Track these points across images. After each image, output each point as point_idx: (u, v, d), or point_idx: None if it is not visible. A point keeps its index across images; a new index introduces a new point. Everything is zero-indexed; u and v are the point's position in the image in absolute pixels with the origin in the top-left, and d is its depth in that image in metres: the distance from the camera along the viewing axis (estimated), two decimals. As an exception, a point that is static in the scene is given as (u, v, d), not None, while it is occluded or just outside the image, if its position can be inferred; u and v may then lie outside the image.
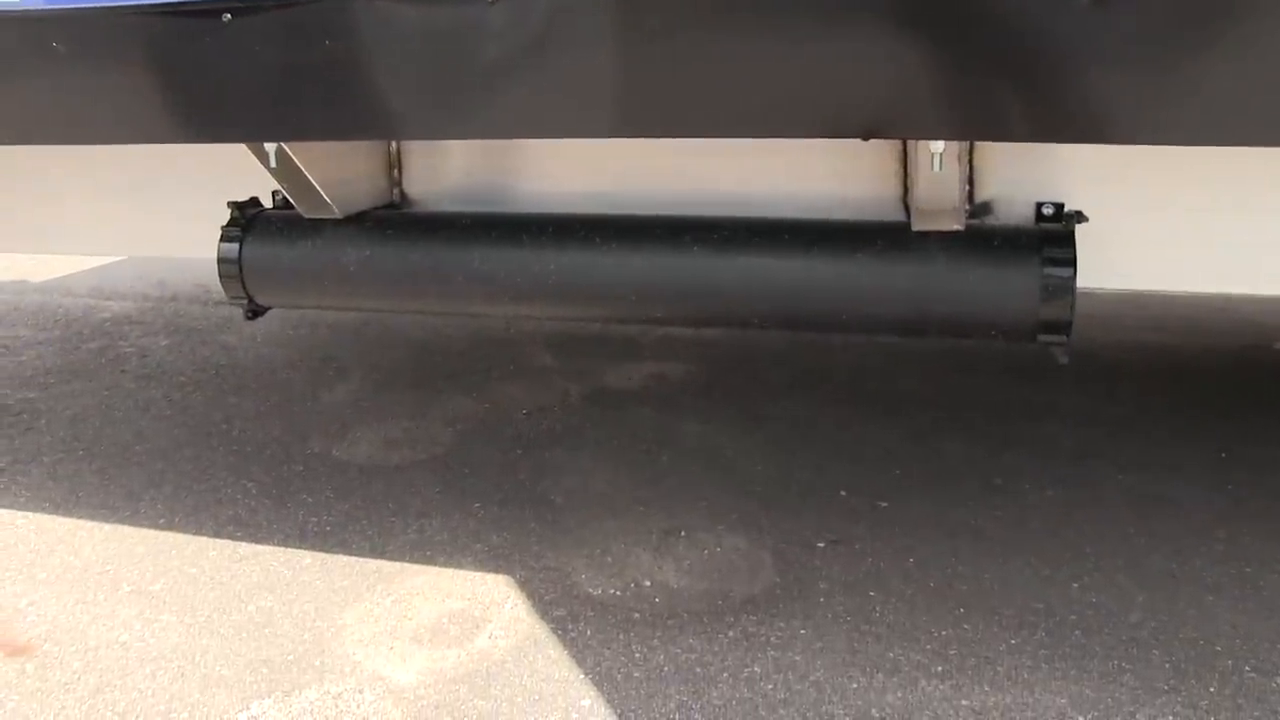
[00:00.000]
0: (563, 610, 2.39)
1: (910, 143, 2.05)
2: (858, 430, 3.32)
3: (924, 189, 2.02)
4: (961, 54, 1.62)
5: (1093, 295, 4.37)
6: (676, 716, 2.03)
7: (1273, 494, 2.79)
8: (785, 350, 4.09)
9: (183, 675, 2.21)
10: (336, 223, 2.46)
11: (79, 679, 2.20)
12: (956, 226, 2.10)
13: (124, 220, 3.03)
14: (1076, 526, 2.66)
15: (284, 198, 2.51)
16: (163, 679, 2.19)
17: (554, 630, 2.32)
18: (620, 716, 2.04)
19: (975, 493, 2.87)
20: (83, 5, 1.92)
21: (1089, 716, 1.99)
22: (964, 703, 2.04)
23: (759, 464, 3.09)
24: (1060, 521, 2.69)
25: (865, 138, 1.76)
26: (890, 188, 2.27)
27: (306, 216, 2.47)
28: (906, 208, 2.22)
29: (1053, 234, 2.08)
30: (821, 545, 2.62)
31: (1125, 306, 4.49)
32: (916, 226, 2.11)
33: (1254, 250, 2.21)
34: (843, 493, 2.89)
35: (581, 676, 2.16)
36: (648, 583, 2.49)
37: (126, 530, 2.82)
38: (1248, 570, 2.45)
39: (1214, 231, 2.22)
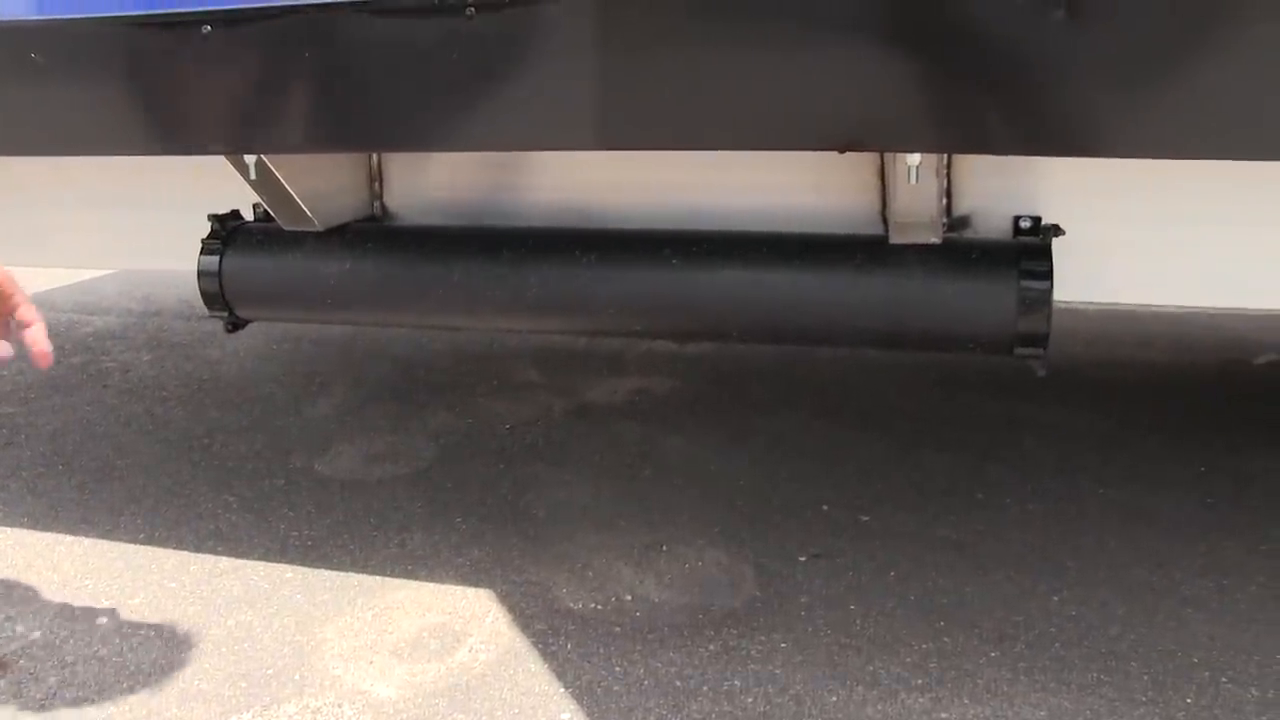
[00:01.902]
0: (543, 624, 2.38)
1: (888, 156, 2.06)
2: (842, 444, 3.32)
3: (901, 202, 2.03)
4: (937, 66, 1.63)
5: (1078, 311, 4.42)
6: (656, 730, 2.03)
7: (1252, 508, 2.81)
8: (771, 365, 4.09)
9: (160, 689, 2.19)
10: (317, 235, 2.46)
11: (55, 694, 2.19)
12: (934, 240, 2.11)
13: (106, 233, 3.02)
14: (1058, 540, 2.67)
15: (265, 210, 2.50)
16: (140, 694, 2.18)
17: (534, 644, 2.31)
18: (599, 730, 2.04)
19: (958, 506, 2.87)
20: (62, 16, 1.93)
21: (1068, 728, 2.00)
22: (943, 715, 2.03)
23: (742, 478, 3.09)
24: (1042, 535, 2.70)
25: (842, 151, 1.77)
26: (869, 201, 2.28)
27: (287, 229, 2.47)
28: (885, 221, 2.23)
29: (1030, 247, 2.09)
30: (803, 559, 2.62)
31: (1111, 323, 4.51)
32: (894, 239, 2.12)
33: (1236, 263, 2.22)
34: (825, 507, 2.89)
35: (561, 690, 2.15)
36: (629, 597, 2.48)
37: (106, 545, 2.80)
38: (1226, 583, 2.45)
39: (1196, 244, 2.23)
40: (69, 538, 2.85)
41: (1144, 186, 2.17)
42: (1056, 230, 2.14)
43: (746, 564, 2.60)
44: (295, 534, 2.83)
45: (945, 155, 2.11)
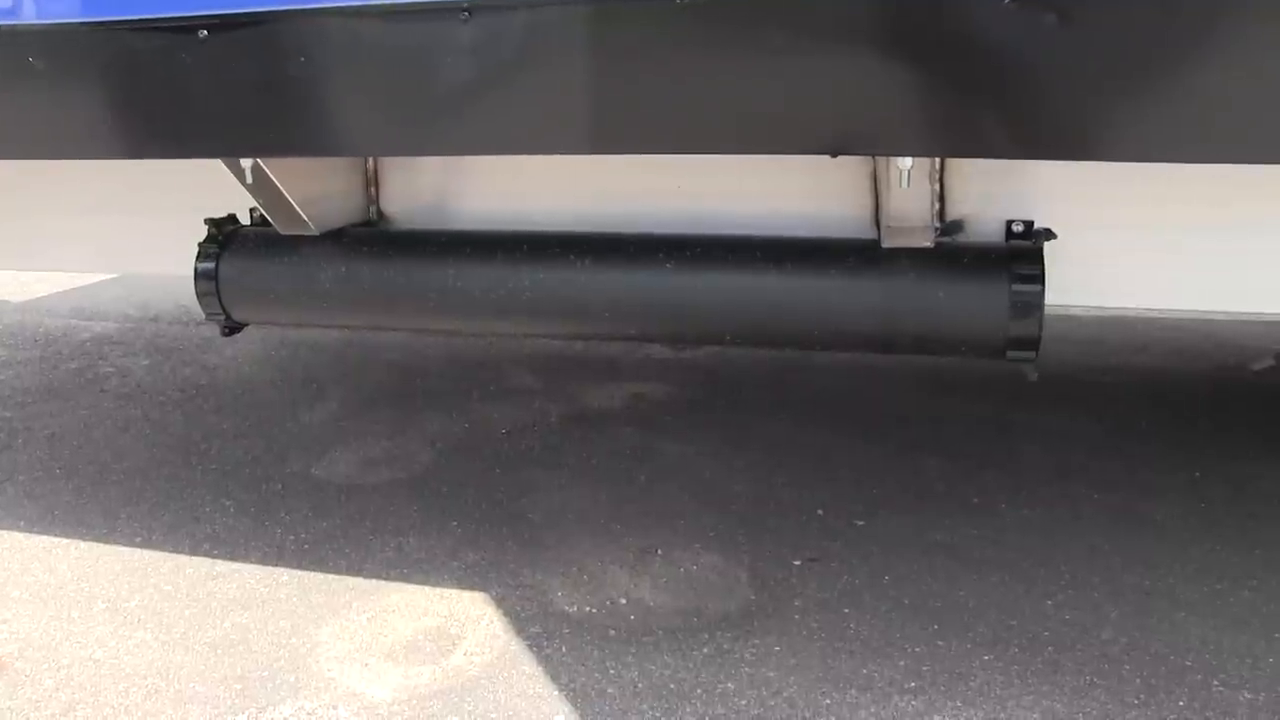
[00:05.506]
0: (538, 627, 2.39)
1: (880, 160, 2.06)
2: (837, 450, 3.33)
3: (894, 206, 2.04)
4: (928, 70, 1.64)
5: (1073, 317, 4.43)
6: (649, 732, 2.04)
7: (1246, 512, 2.81)
8: (767, 370, 4.10)
9: (156, 692, 2.20)
10: (313, 239, 2.47)
11: (50, 696, 2.19)
12: (926, 244, 2.12)
13: (104, 238, 3.03)
14: (1052, 544, 2.67)
15: (261, 215, 2.51)
16: (135, 696, 2.19)
17: (529, 647, 2.32)
18: (593, 732, 2.04)
19: (953, 511, 2.88)
20: (61, 20, 1.93)
21: (1060, 731, 2.00)
22: (936, 718, 2.04)
23: (737, 483, 3.09)
24: (1036, 539, 2.71)
25: (834, 154, 1.78)
26: (862, 205, 2.29)
27: (283, 233, 2.48)
28: (878, 225, 2.24)
29: (1022, 251, 2.10)
30: (798, 563, 2.63)
31: (1106, 328, 4.52)
32: (887, 244, 2.13)
33: (1231, 268, 2.23)
34: (820, 511, 2.90)
35: (555, 693, 2.16)
36: (623, 600, 2.49)
37: (102, 548, 2.81)
38: (1219, 587, 2.46)
39: (1190, 249, 2.23)
40: (66, 541, 2.86)
41: (1137, 191, 2.18)
42: (1048, 234, 2.14)
43: (741, 568, 2.61)
44: (292, 538, 2.84)
45: (937, 160, 2.12)
